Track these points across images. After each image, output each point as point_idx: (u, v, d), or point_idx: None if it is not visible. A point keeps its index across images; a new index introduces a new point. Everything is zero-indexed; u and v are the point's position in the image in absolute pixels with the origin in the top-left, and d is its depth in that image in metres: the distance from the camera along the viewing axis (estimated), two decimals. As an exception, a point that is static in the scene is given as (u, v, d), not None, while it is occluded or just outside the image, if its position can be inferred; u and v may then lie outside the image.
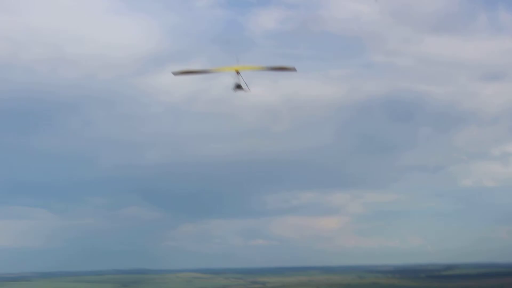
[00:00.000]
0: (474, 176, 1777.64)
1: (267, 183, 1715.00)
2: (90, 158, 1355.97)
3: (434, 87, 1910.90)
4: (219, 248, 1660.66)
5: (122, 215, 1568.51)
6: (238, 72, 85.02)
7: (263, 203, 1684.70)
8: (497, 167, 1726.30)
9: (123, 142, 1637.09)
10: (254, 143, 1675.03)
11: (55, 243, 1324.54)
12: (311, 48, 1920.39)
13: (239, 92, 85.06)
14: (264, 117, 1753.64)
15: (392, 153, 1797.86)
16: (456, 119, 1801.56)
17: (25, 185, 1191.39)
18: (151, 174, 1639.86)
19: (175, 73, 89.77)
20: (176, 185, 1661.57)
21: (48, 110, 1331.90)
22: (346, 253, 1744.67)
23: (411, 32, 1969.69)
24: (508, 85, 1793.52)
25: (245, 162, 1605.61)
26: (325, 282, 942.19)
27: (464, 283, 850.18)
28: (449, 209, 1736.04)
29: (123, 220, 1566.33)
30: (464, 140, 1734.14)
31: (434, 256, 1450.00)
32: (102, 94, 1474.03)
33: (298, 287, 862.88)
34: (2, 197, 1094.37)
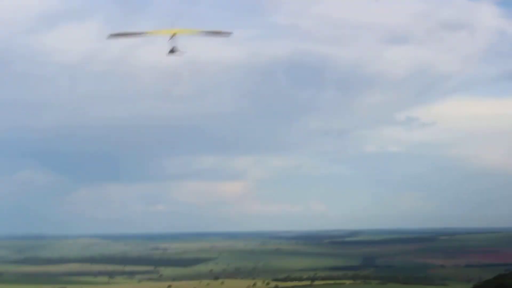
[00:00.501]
0: (379, 141, 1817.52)
1: (167, 146, 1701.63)
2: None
3: (338, 49, 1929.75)
4: (118, 213, 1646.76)
5: (17, 178, 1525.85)
6: (173, 36, 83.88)
7: (164, 167, 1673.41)
8: (401, 132, 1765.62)
9: (18, 103, 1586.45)
10: (154, 106, 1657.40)
11: None
12: (213, 7, 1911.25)
13: (173, 55, 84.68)
14: (165, 79, 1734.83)
15: (295, 117, 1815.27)
16: (361, 82, 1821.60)
17: None
18: (48, 136, 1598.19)
19: (112, 35, 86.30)
20: (73, 148, 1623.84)
21: None
22: (249, 218, 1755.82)
23: None
24: (413, 48, 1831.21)
25: (145, 125, 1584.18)
26: (227, 248, 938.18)
27: (367, 249, 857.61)
28: (353, 174, 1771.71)
29: (18, 184, 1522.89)
30: (369, 104, 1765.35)
31: (338, 222, 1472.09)
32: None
33: (199, 253, 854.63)
34: None
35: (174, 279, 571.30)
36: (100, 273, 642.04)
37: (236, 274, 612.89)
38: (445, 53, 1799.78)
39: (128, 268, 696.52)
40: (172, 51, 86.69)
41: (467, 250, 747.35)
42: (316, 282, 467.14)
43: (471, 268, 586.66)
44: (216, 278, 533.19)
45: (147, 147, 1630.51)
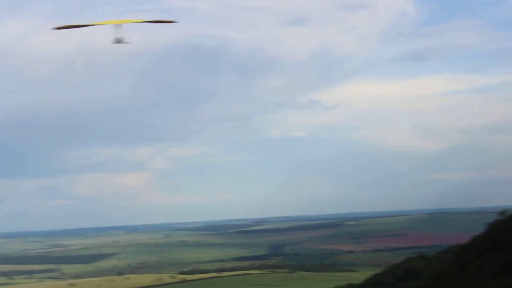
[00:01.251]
0: (282, 125, 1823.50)
1: (64, 139, 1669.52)
2: None
3: (237, 33, 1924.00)
4: (14, 210, 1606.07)
5: None
6: (118, 26, 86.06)
7: (62, 160, 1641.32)
8: (304, 116, 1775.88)
9: None
10: (47, 97, 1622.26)
11: None
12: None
13: (119, 45, 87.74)
14: (57, 67, 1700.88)
15: (194, 104, 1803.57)
16: (261, 66, 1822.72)
17: None
18: None
19: (58, 28, 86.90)
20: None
21: None
22: (151, 211, 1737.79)
23: None
24: (313, 30, 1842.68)
25: (38, 116, 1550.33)
26: (130, 243, 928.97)
27: (274, 237, 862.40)
28: (257, 161, 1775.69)
29: None
30: (270, 89, 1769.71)
31: (243, 211, 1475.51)
32: None
33: (102, 249, 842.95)
34: None
35: (76, 277, 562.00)
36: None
37: (140, 268, 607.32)
38: (346, 34, 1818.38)
39: (28, 267, 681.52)
40: (118, 41, 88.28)
41: (375, 235, 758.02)
42: (224, 274, 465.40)
43: (379, 252, 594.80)
44: (120, 273, 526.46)
45: (42, 140, 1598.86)
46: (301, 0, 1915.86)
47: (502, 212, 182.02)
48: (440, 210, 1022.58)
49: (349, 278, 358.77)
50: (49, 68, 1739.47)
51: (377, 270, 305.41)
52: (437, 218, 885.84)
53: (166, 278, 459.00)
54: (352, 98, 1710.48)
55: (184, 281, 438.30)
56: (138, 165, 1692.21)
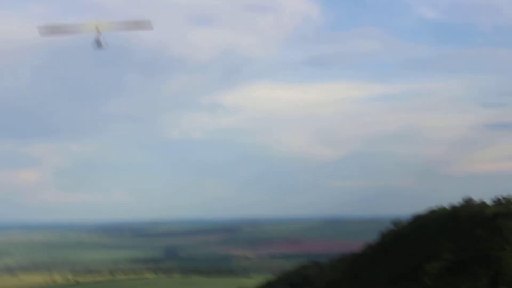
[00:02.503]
0: (182, 127, 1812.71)
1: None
2: None
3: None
4: None
5: None
6: (97, 29, 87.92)
7: None
8: (206, 117, 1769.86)
9: None
10: None
11: None
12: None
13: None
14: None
15: (95, 100, 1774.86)
16: (165, 65, 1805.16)
17: None
18: None
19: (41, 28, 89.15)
20: None
21: None
22: (47, 209, 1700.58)
23: None
24: (219, 31, 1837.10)
25: None
26: (23, 241, 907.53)
27: (169, 240, 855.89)
28: (156, 162, 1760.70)
29: None
30: (173, 89, 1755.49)
31: (140, 212, 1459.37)
32: None
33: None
34: None
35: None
36: None
37: (33, 268, 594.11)
38: (250, 36, 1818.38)
39: None
40: (97, 43, 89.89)
41: (270, 241, 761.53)
42: (117, 276, 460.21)
43: (274, 258, 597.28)
44: (11, 272, 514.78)
45: None
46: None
47: (396, 222, 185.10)
48: (335, 217, 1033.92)
49: (243, 283, 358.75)
50: None
51: (271, 276, 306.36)
52: (331, 225, 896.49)
53: (59, 278, 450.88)
54: (254, 101, 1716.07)
55: (78, 283, 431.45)
56: (33, 161, 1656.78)
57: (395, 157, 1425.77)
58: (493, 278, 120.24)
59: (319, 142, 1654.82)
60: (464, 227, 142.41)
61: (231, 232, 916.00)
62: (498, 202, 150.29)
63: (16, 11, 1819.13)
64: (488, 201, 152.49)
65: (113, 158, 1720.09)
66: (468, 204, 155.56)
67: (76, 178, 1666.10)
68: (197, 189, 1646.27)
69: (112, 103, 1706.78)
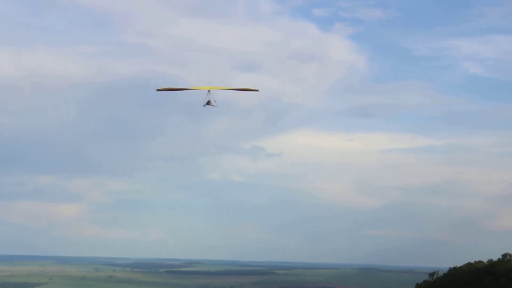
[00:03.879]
0: (223, 169, 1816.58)
1: (1, 164, 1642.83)
2: None
3: (187, 72, 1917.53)
4: None
5: None
6: (209, 91, 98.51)
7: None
8: (246, 161, 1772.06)
9: None
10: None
11: None
12: (60, 21, 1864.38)
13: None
14: (2, 92, 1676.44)
15: (139, 140, 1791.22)
16: (208, 109, 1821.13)
17: None
18: None
19: (159, 90, 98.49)
20: None
21: None
22: (83, 243, 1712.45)
23: (166, 13, 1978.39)
24: (264, 77, 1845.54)
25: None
26: (58, 273, 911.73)
27: (203, 280, 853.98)
28: (195, 203, 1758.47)
29: None
30: (215, 132, 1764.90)
31: (176, 251, 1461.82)
32: None
33: (29, 277, 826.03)
34: None
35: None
36: None
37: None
38: (295, 84, 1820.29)
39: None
40: (208, 103, 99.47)
41: (304, 286, 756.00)
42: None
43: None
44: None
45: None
46: (255, 46, 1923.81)
47: (432, 274, 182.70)
48: (372, 266, 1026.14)
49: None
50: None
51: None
52: (367, 273, 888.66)
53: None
54: (296, 147, 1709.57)
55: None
56: (74, 196, 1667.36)
57: (434, 208, 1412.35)
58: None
59: (358, 190, 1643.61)
60: (501, 281, 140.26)
61: (266, 275, 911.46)
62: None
63: (66, 50, 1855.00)
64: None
65: (152, 196, 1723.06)
66: (506, 259, 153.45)
67: (115, 215, 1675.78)
68: (233, 230, 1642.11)
69: (155, 144, 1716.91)
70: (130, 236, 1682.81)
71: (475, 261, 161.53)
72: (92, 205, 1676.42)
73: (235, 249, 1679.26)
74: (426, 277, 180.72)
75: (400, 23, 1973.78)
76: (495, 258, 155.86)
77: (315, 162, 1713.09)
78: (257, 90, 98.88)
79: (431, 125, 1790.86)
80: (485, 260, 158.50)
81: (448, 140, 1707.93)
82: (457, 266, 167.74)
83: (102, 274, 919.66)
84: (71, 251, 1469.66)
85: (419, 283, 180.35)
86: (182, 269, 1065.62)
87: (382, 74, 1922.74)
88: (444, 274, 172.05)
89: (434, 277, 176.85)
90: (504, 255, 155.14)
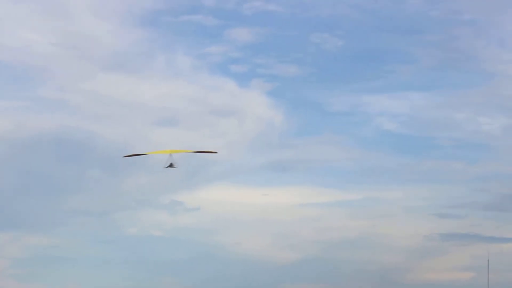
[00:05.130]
0: (141, 224, 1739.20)
1: None
2: None
3: (106, 127, 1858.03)
4: None
5: None
6: (170, 154, 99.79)
7: None
8: (165, 216, 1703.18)
9: None
10: None
11: None
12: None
13: (170, 169, 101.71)
14: None
15: (58, 195, 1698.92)
16: (127, 163, 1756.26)
17: None
18: None
19: (126, 156, 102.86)
20: None
21: None
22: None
23: (83, 68, 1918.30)
24: (182, 132, 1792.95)
25: None
26: None
27: None
28: (114, 258, 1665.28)
29: None
30: (133, 186, 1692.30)
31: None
32: None
33: None
34: None
35: None
36: None
37: None
38: (213, 139, 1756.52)
39: None
40: (170, 165, 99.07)
41: None
42: None
43: None
44: None
45: None
46: (173, 101, 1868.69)
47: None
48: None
49: None
50: None
51: None
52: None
53: None
54: (213, 202, 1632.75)
55: None
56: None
57: (352, 262, 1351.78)
58: None
59: (275, 244, 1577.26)
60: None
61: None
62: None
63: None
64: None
65: (71, 251, 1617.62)
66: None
67: (33, 269, 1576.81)
68: (153, 285, 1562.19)
69: (75, 198, 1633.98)
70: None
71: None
72: (10, 261, 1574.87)
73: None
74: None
75: (315, 80, 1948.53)
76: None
77: (232, 217, 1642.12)
78: (215, 152, 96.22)
79: (347, 179, 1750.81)
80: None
81: (362, 194, 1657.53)
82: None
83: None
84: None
85: None
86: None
87: (299, 129, 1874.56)
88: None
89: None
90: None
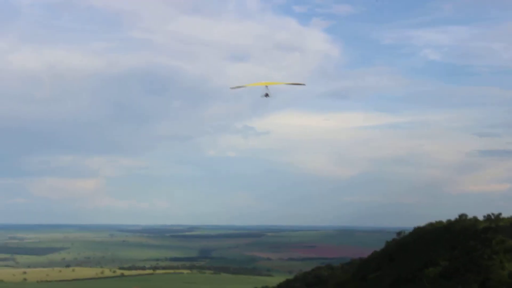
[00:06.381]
0: (219, 146, 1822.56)
1: (27, 145, 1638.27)
2: None
3: (186, 63, 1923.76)
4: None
5: None
6: (266, 86, 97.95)
7: (23, 164, 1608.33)
8: (239, 139, 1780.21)
9: None
10: (15, 108, 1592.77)
11: None
12: (74, 21, 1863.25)
13: (265, 98, 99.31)
14: (26, 83, 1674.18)
15: (147, 123, 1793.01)
16: (205, 94, 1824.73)
17: None
18: None
19: (232, 88, 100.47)
20: None
21: None
22: (100, 212, 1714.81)
23: (167, 12, 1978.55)
24: (252, 66, 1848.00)
25: (6, 125, 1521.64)
26: (79, 239, 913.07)
27: (203, 242, 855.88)
28: (195, 176, 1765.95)
29: None
30: (211, 114, 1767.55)
31: (179, 218, 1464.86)
32: None
33: (53, 243, 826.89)
34: None
35: (29, 266, 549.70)
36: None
37: (86, 262, 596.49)
38: (280, 71, 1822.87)
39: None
40: (266, 95, 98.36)
41: (290, 246, 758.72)
42: (158, 271, 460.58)
43: (293, 261, 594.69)
44: (67, 266, 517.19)
45: (7, 146, 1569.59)
46: (244, 39, 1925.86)
47: (399, 233, 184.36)
48: (348, 227, 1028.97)
49: (265, 281, 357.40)
50: (19, 83, 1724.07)
51: (290, 276, 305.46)
52: (344, 234, 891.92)
53: (107, 272, 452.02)
54: (281, 126, 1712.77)
55: (123, 275, 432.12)
56: (91, 172, 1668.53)
57: (400, 177, 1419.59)
58: (482, 283, 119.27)
59: (336, 162, 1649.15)
60: (458, 239, 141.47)
61: (257, 237, 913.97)
62: (488, 218, 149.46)
63: (79, 46, 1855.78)
64: (480, 217, 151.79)
65: (158, 171, 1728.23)
66: (462, 219, 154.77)
67: (125, 187, 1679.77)
68: (229, 199, 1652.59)
69: (161, 125, 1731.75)
70: (140, 206, 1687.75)
71: (435, 221, 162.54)
72: (106, 180, 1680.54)
73: (231, 215, 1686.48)
74: (395, 236, 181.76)
75: (367, 17, 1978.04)
76: (453, 218, 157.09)
77: (298, 139, 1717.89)
78: (303, 84, 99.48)
79: (395, 104, 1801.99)
80: (444, 220, 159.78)
81: (410, 117, 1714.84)
82: (421, 226, 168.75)
83: (116, 239, 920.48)
84: (89, 220, 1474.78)
85: (389, 241, 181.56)
86: (186, 233, 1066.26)
87: (353, 61, 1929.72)
88: (410, 233, 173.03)
89: (401, 236, 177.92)
90: (461, 216, 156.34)
